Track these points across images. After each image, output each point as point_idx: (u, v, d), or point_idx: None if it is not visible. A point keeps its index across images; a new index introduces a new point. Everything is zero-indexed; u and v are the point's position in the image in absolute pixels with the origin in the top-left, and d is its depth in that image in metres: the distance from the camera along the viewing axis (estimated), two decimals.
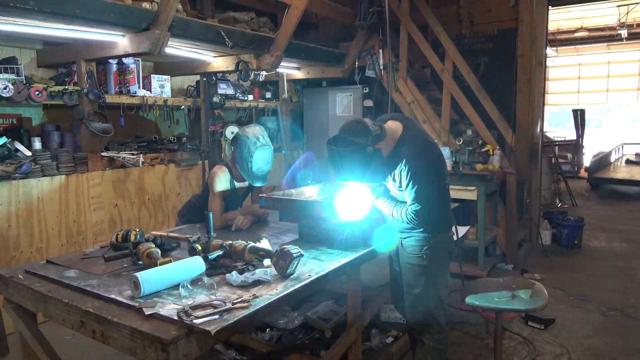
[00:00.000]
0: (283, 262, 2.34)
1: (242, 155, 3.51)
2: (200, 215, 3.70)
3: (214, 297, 2.08)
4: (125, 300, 2.09)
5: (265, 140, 3.59)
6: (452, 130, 6.21)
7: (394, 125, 2.77)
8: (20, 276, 2.50)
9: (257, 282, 2.26)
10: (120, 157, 5.17)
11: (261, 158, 3.54)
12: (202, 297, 2.08)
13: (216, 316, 1.90)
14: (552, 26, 11.97)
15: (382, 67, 6.49)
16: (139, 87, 5.49)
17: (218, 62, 5.91)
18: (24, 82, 4.43)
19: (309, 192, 3.66)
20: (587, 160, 13.06)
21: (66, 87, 4.70)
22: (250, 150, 3.48)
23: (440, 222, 2.81)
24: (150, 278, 2.15)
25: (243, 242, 2.59)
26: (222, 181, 3.61)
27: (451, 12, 7.04)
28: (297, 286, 2.25)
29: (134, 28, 4.23)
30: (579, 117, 13.25)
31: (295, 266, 2.38)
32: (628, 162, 12.35)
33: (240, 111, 6.89)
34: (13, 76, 4.37)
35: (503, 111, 6.03)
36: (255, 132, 3.59)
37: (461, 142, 5.63)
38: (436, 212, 2.69)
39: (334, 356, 2.80)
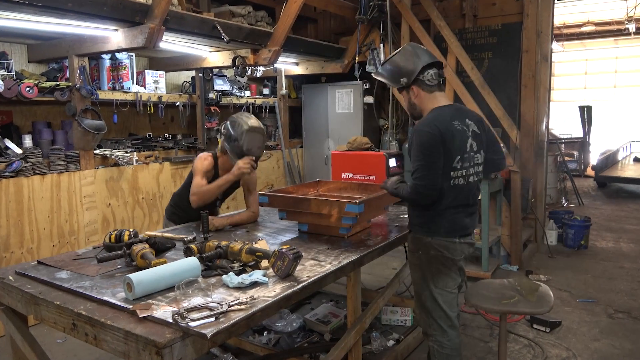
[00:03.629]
0: (281, 263, 2.34)
1: (234, 131, 3.40)
2: (183, 209, 3.67)
3: (210, 299, 2.08)
4: (118, 303, 2.08)
5: (259, 124, 3.49)
6: None
7: (439, 97, 2.81)
8: (10, 277, 2.49)
9: (255, 284, 2.26)
10: (113, 155, 5.17)
11: (254, 138, 3.42)
12: (197, 299, 2.08)
13: (212, 319, 1.90)
14: (557, 20, 11.95)
15: (383, 63, 6.47)
16: (133, 83, 5.49)
17: (214, 57, 5.90)
18: (15, 77, 4.43)
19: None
20: (593, 158, 13.06)
21: (58, 83, 4.70)
22: (243, 127, 3.38)
23: (438, 224, 2.78)
24: (144, 279, 2.14)
25: (240, 242, 2.59)
26: (205, 164, 3.51)
27: (454, 6, 7.03)
28: (295, 288, 2.25)
29: (128, 22, 4.23)
30: (586, 114, 13.25)
31: (294, 267, 2.37)
32: (636, 160, 12.36)
33: (237, 108, 6.89)
34: (3, 72, 4.37)
35: (507, 108, 6.02)
36: (249, 114, 3.55)
37: None
38: (435, 191, 2.67)
39: None
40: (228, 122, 3.47)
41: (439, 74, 2.80)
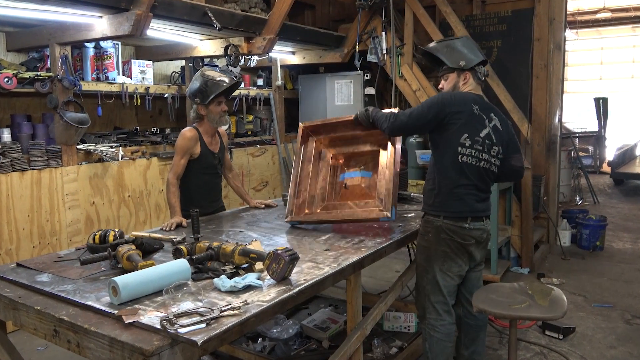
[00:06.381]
0: (276, 265, 2.34)
1: (193, 84, 3.78)
2: (186, 193, 3.86)
3: (200, 304, 2.08)
4: (103, 307, 2.08)
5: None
6: None
7: (471, 86, 3.13)
8: None
9: (248, 288, 2.26)
10: (97, 150, 5.16)
11: (213, 72, 3.81)
12: (187, 304, 2.08)
13: (203, 325, 1.90)
14: (571, 6, 11.95)
15: (385, 52, 6.48)
16: (119, 73, 5.47)
17: (205, 45, 5.89)
18: None
19: None
20: (610, 154, 13.07)
21: (38, 73, 4.69)
22: (197, 74, 3.79)
23: (449, 203, 3.04)
24: (130, 283, 2.14)
25: (233, 243, 2.59)
26: (186, 139, 3.78)
27: None
28: (291, 292, 2.25)
29: (113, 8, 4.22)
30: (601, 106, 13.26)
31: (290, 270, 2.37)
32: None
33: (229, 99, 6.87)
34: None
35: (518, 100, 6.03)
36: None
37: None
38: (404, 132, 3.27)
39: None
40: (189, 90, 3.85)
41: (487, 72, 3.21)
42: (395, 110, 3.27)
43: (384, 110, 3.31)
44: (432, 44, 3.31)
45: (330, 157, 3.72)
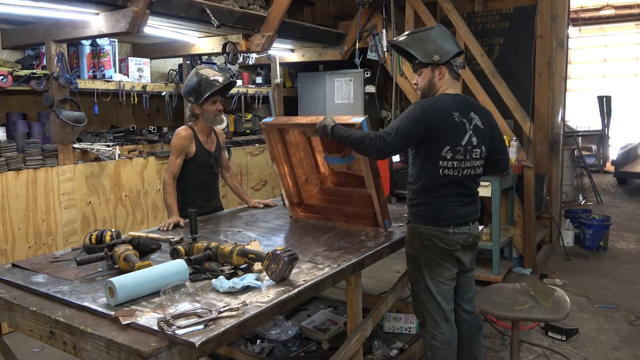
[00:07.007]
0: (275, 266, 2.34)
1: (189, 82, 3.76)
2: (184, 192, 3.88)
3: (198, 305, 2.08)
4: (99, 309, 2.09)
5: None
6: None
7: (455, 86, 3.00)
8: None
9: (247, 289, 2.26)
10: (94, 149, 5.16)
11: (208, 70, 3.78)
12: (185, 305, 2.08)
13: (201, 326, 1.90)
14: (574, 3, 11.95)
15: (385, 49, 6.47)
16: (115, 71, 5.47)
17: (203, 43, 5.89)
18: None
19: None
20: (613, 153, 13.07)
21: (34, 71, 4.68)
22: (192, 72, 3.80)
23: (431, 212, 2.96)
24: (127, 284, 2.14)
25: (231, 244, 2.59)
26: (180, 138, 3.78)
27: None
28: (290, 293, 2.25)
29: (110, 5, 4.21)
30: (605, 104, 13.25)
31: (289, 270, 2.37)
32: None
33: (227, 98, 6.87)
34: None
35: (520, 98, 6.01)
36: None
37: None
38: (388, 153, 2.92)
39: None
40: (183, 89, 3.84)
41: (464, 64, 3.04)
42: (360, 119, 3.02)
43: (343, 121, 3.05)
44: (401, 37, 3.08)
45: (308, 142, 3.77)
